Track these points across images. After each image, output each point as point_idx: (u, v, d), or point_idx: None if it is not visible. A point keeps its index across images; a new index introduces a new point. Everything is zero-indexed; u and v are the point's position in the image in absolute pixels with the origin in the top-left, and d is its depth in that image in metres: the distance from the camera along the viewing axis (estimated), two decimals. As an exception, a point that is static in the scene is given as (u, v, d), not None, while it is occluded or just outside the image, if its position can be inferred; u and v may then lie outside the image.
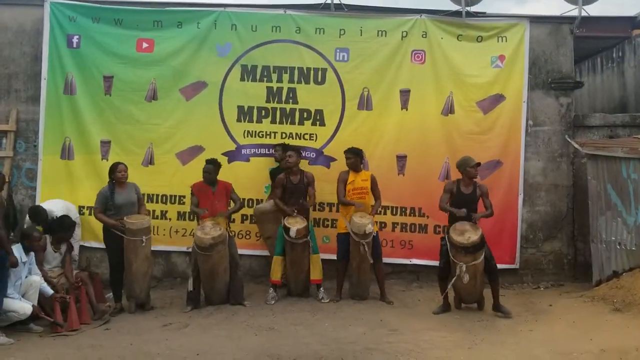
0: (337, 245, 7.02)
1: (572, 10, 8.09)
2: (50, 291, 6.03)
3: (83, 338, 5.64)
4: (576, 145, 7.63)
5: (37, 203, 7.69)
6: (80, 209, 7.71)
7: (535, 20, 8.06)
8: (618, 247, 6.94)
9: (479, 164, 6.57)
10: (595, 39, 8.87)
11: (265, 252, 7.58)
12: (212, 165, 6.84)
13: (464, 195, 6.51)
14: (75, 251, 7.20)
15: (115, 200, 6.56)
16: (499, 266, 6.80)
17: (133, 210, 6.61)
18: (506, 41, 7.93)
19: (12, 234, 6.11)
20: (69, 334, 5.78)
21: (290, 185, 6.97)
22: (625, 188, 6.91)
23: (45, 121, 7.89)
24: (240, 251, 7.10)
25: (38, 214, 6.74)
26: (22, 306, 5.68)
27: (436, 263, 7.16)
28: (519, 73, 7.93)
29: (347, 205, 6.89)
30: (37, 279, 5.96)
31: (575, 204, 8.02)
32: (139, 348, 5.26)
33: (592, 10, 8.10)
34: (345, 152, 7.02)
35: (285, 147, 7.35)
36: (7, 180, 6.20)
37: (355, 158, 6.96)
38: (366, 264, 6.75)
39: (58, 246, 6.56)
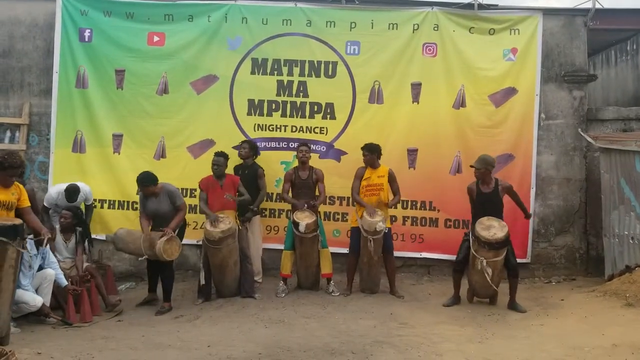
0: (350, 239, 7.02)
1: (586, 2, 8.02)
2: (64, 282, 6.09)
3: (96, 329, 5.69)
4: (589, 139, 7.57)
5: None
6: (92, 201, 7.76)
7: (548, 12, 7.99)
8: (631, 241, 6.88)
9: (475, 168, 6.42)
10: (609, 32, 8.76)
11: (276, 246, 7.58)
12: (222, 158, 6.86)
13: (484, 194, 6.42)
14: None
15: (147, 208, 6.47)
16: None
17: (167, 219, 6.37)
18: (519, 34, 7.87)
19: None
20: (81, 326, 5.84)
21: (298, 181, 6.97)
22: (638, 182, 6.83)
23: (58, 115, 7.95)
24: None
25: (75, 192, 6.92)
26: (33, 298, 5.74)
27: (447, 257, 7.19)
28: (531, 66, 7.87)
29: (360, 204, 6.84)
30: (51, 272, 6.00)
31: (587, 198, 7.96)
32: (151, 339, 5.30)
33: (606, 2, 8.08)
34: (362, 148, 6.94)
35: (251, 145, 7.37)
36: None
37: (372, 155, 6.87)
38: (377, 259, 6.74)
39: (68, 236, 6.62)
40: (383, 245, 6.75)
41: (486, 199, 6.39)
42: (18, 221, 5.18)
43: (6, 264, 5.02)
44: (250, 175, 7.24)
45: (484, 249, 6.14)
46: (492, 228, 6.17)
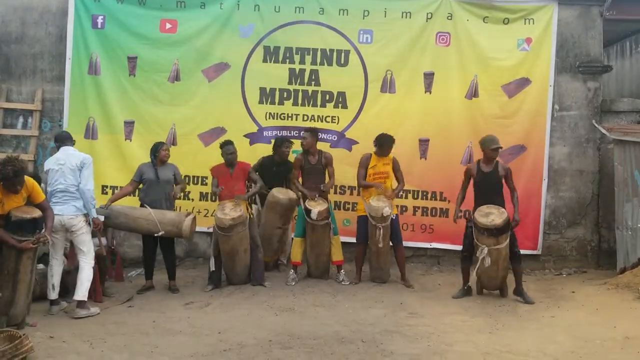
0: (357, 227, 7.01)
1: (603, -8, 7.91)
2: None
3: (107, 315, 5.72)
4: (603, 131, 7.50)
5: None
6: (104, 188, 7.81)
7: (563, 2, 7.88)
8: (644, 234, 6.84)
9: (498, 149, 6.40)
10: (625, 22, 8.70)
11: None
12: (232, 146, 6.81)
13: (484, 174, 6.42)
14: None
15: (157, 175, 6.58)
16: (521, 251, 6.73)
17: (164, 191, 6.57)
18: (533, 23, 7.79)
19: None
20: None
21: (308, 166, 6.96)
22: (653, 175, 6.78)
23: (70, 101, 7.97)
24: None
25: None
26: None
27: (457, 247, 7.16)
28: (545, 56, 7.80)
29: (367, 187, 6.84)
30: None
31: (600, 190, 7.91)
32: (162, 325, 5.33)
33: (622, -8, 7.93)
34: (385, 140, 6.82)
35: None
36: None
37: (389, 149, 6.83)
38: (385, 247, 6.74)
39: None
40: (392, 234, 6.75)
41: (485, 178, 6.39)
42: (37, 214, 5.17)
43: (25, 255, 5.10)
44: (286, 171, 7.20)
45: (483, 235, 6.15)
46: (491, 215, 6.18)
